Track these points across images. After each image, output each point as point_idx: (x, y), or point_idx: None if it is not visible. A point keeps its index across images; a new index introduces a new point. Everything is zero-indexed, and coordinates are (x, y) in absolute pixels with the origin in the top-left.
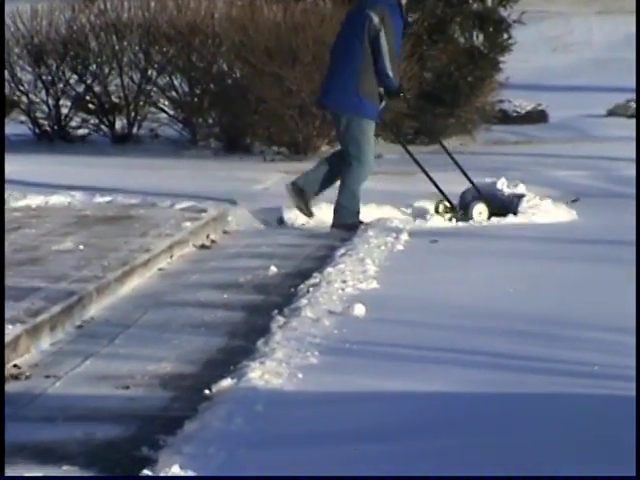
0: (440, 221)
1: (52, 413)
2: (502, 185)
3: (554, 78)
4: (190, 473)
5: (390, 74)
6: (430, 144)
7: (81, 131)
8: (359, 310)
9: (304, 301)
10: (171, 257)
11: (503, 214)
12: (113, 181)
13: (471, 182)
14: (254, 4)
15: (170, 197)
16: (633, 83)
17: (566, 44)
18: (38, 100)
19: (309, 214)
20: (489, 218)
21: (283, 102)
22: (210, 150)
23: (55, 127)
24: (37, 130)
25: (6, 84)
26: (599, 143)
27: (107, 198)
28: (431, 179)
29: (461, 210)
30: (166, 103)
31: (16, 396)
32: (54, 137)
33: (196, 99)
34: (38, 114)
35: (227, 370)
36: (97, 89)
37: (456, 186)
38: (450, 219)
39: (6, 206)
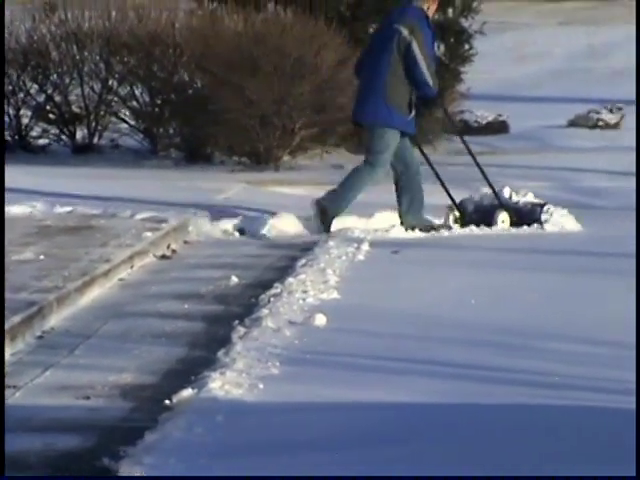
0: (401, 231)
1: (12, 424)
2: (508, 194)
3: (516, 89)
4: None
5: (430, 82)
6: None
7: (42, 141)
8: (320, 320)
9: (265, 311)
10: (132, 267)
11: (527, 223)
12: (74, 191)
13: (493, 190)
14: (215, 14)
15: (131, 207)
16: (594, 94)
17: (528, 55)
18: None
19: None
20: (511, 226)
21: (244, 112)
22: (171, 160)
23: (16, 137)
24: None
25: None
26: (561, 154)
27: (68, 208)
28: (445, 188)
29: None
30: (127, 113)
31: None
32: (15, 147)
33: (157, 109)
34: None
35: (188, 380)
36: (58, 99)
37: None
38: (461, 227)
39: None
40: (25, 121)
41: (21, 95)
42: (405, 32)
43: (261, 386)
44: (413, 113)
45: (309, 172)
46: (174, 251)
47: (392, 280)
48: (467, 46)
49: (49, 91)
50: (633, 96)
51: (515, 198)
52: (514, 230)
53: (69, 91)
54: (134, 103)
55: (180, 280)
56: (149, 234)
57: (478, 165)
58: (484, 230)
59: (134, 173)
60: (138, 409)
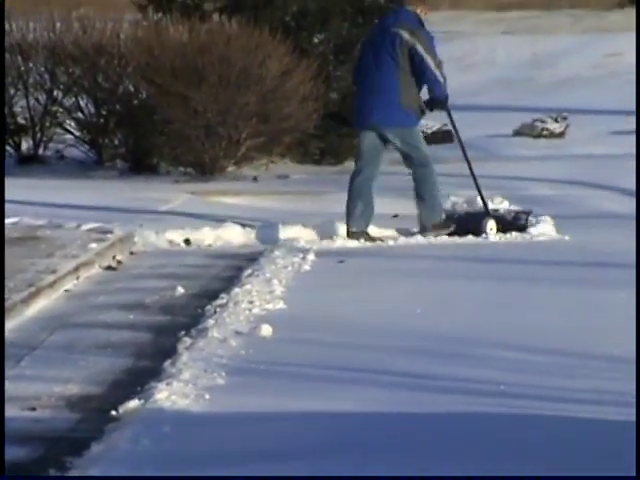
0: (347, 241)
1: None
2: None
3: (460, 98)
4: None
5: (441, 80)
6: (336, 164)
7: None
8: (266, 330)
9: (211, 322)
10: (77, 278)
11: (511, 230)
12: (19, 202)
13: (482, 199)
14: (160, 25)
15: (76, 218)
16: (539, 103)
17: (472, 64)
18: None
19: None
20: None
21: (189, 122)
22: (116, 171)
23: None
24: None
25: None
26: (506, 163)
27: (13, 219)
28: (480, 193)
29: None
30: (72, 124)
31: None
32: None
33: (102, 120)
34: None
35: (134, 391)
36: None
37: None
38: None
39: None
40: None
41: None
42: (406, 35)
43: (207, 396)
44: (424, 115)
45: (254, 182)
46: (120, 262)
47: (338, 290)
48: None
49: None
50: (578, 105)
51: (492, 206)
52: (459, 239)
53: (14, 102)
54: (79, 114)
55: (126, 291)
56: (95, 245)
57: (472, 172)
58: (429, 239)
59: (80, 184)
60: (84, 420)
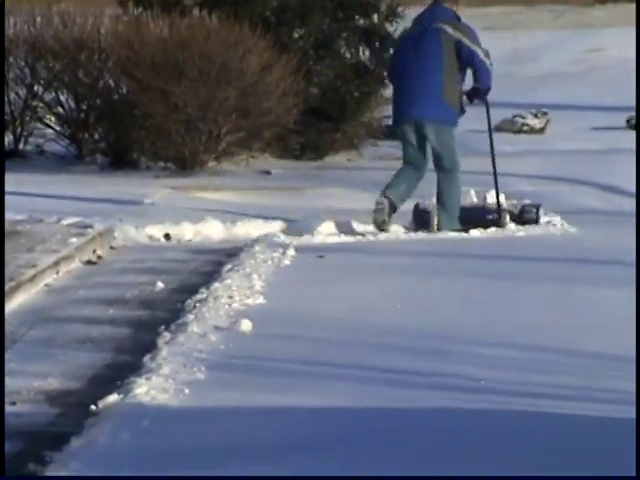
0: (326, 236)
1: None
2: (473, 196)
3: None
4: None
5: (490, 69)
6: (317, 159)
7: None
8: (246, 325)
9: (191, 316)
10: (57, 273)
11: (522, 223)
12: None
13: (497, 192)
14: (140, 19)
15: (56, 213)
16: (519, 98)
17: None
18: None
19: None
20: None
21: (169, 117)
22: (97, 165)
23: None
24: None
25: None
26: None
27: None
28: (497, 187)
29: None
30: (52, 119)
31: None
32: None
33: (82, 115)
34: None
35: (113, 386)
36: None
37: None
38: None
39: None
40: None
41: None
42: (449, 29)
43: (187, 391)
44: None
45: (234, 178)
46: (100, 257)
47: (318, 285)
48: (392, 51)
49: None
50: (558, 100)
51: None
52: (440, 234)
53: None
54: (59, 109)
55: (106, 285)
56: (75, 239)
57: (494, 165)
58: (409, 235)
59: (60, 178)
60: (64, 414)
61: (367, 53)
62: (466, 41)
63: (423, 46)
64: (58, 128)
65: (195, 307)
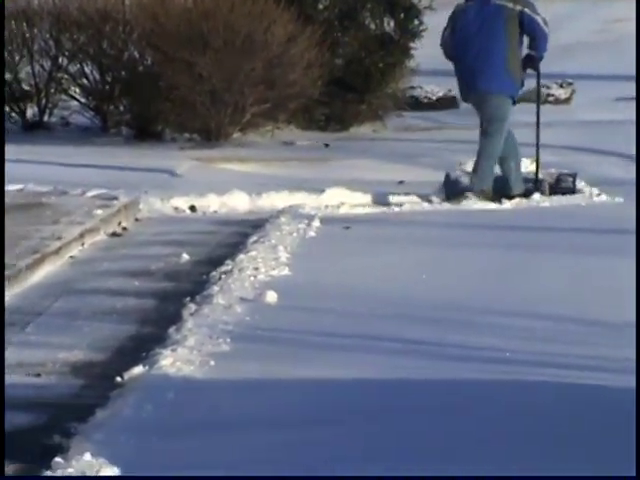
0: (352, 207)
1: None
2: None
3: None
4: (101, 460)
5: (547, 37)
6: (342, 130)
7: None
8: (271, 297)
9: (216, 288)
10: (82, 245)
11: (560, 193)
12: (24, 169)
13: (537, 162)
14: None
15: (81, 185)
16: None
17: None
18: None
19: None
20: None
21: (194, 89)
22: (121, 137)
23: None
24: None
25: None
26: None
27: (18, 186)
28: (538, 158)
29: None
30: (77, 91)
31: None
32: None
33: (107, 86)
34: None
35: (138, 357)
36: (8, 77)
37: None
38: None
39: None
40: None
41: None
42: (510, 4)
43: (212, 363)
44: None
45: (259, 149)
46: (125, 228)
47: (343, 257)
48: (416, 22)
49: None
50: (583, 71)
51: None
52: (466, 206)
53: (19, 69)
54: (84, 80)
55: (131, 257)
56: (100, 211)
57: (537, 135)
58: (435, 206)
59: (84, 150)
60: (89, 386)
61: (392, 24)
62: (527, 11)
63: (485, 21)
64: (83, 100)
65: (220, 279)
